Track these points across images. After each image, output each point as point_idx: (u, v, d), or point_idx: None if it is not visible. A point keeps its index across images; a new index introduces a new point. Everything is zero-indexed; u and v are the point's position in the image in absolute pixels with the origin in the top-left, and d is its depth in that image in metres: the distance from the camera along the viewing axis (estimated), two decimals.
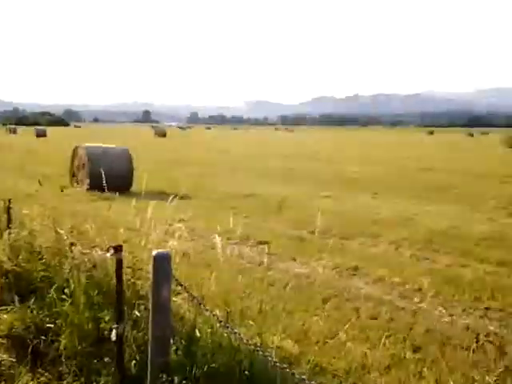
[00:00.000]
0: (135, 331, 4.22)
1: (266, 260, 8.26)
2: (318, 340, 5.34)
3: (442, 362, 4.97)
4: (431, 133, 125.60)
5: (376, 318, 6.27)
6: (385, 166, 28.67)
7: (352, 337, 5.42)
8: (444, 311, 6.57)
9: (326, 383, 4.22)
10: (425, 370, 4.74)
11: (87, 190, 16.55)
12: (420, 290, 7.32)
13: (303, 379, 2.94)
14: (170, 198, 5.60)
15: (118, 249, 4.13)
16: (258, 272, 7.56)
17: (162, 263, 3.73)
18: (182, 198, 6.38)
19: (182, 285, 3.88)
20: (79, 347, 4.28)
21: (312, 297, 6.97)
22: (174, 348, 3.87)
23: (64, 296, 4.73)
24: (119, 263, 4.10)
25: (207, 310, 3.74)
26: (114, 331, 3.99)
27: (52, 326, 4.64)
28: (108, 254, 4.15)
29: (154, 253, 3.74)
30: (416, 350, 5.34)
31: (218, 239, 4.69)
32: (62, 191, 6.94)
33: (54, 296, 4.78)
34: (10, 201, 7.36)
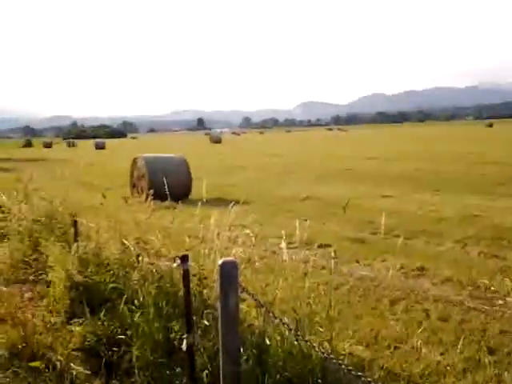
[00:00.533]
0: (205, 340, 4.24)
1: (329, 263, 8.22)
2: (389, 344, 5.23)
3: None
4: (490, 125, 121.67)
5: (447, 320, 6.09)
6: (445, 162, 27.98)
7: (424, 340, 5.29)
8: None
9: None
10: (505, 373, 4.56)
11: (147, 199, 16.85)
12: (490, 289, 7.08)
13: None
14: (231, 205, 5.60)
15: (184, 259, 4.17)
16: (322, 276, 7.48)
17: (229, 271, 3.73)
18: (240, 203, 6.38)
19: (249, 293, 3.86)
20: (151, 358, 4.33)
21: (379, 300, 6.87)
22: (245, 357, 3.86)
23: (134, 307, 4.80)
24: (186, 273, 4.13)
25: (276, 317, 3.71)
26: (184, 341, 4.02)
27: (123, 337, 4.72)
28: (175, 265, 4.19)
29: (220, 261, 3.74)
30: (492, 352, 5.15)
31: (283, 244, 4.65)
32: (126, 202, 7.06)
33: (124, 307, 4.86)
34: (75, 214, 7.58)
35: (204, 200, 6.18)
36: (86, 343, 4.99)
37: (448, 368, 4.71)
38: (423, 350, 4.94)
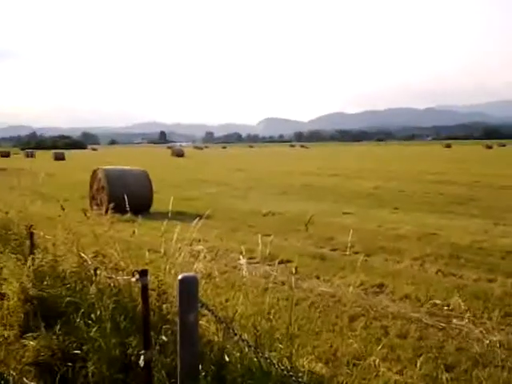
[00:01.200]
0: (163, 356, 4.16)
1: (289, 279, 8.22)
2: (348, 361, 5.23)
3: (476, 382, 4.84)
4: (448, 146, 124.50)
5: (405, 337, 6.16)
6: (403, 181, 28.44)
7: (383, 357, 5.31)
8: (474, 328, 6.43)
9: None
10: None
11: (106, 212, 16.61)
12: (448, 306, 7.17)
13: None
14: (195, 220, 5.54)
15: (143, 273, 4.09)
16: (282, 292, 7.47)
17: (189, 287, 3.68)
18: (203, 217, 6.33)
19: (209, 309, 3.81)
20: (107, 373, 4.22)
21: (339, 316, 6.89)
22: (203, 373, 3.80)
23: (90, 321, 4.69)
24: (145, 288, 4.06)
25: (235, 333, 3.67)
26: (142, 357, 3.93)
27: (79, 352, 4.60)
28: (133, 279, 4.11)
29: (180, 276, 3.70)
30: (449, 369, 5.22)
31: (242, 260, 4.63)
32: (85, 215, 6.93)
33: (81, 321, 4.74)
34: (31, 226, 7.39)
35: (169, 214, 6.12)
36: (40, 358, 4.85)
37: None
38: (382, 367, 4.94)
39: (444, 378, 4.93)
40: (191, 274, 3.90)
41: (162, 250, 5.38)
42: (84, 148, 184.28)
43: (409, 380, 4.83)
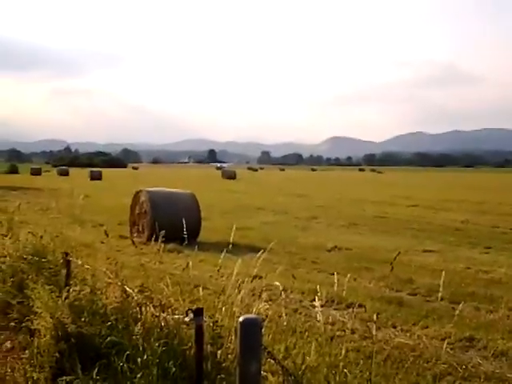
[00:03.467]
0: None
1: (361, 327, 8.13)
2: None
3: None
4: None
5: None
6: (497, 215, 27.81)
7: None
8: None
9: None
10: None
11: (148, 240, 16.89)
12: None
13: None
14: (258, 254, 5.57)
15: (197, 312, 4.13)
16: (351, 342, 7.40)
17: (252, 331, 3.68)
18: (264, 251, 6.34)
19: (274, 358, 3.81)
20: None
21: (420, 374, 6.74)
22: None
23: (133, 366, 4.75)
24: (199, 329, 4.10)
25: None
26: None
27: None
28: (187, 319, 4.15)
29: (242, 318, 3.70)
30: None
31: (317, 302, 4.61)
32: (133, 243, 7.07)
33: (124, 365, 4.81)
34: (68, 254, 7.58)
35: (230, 246, 6.19)
36: None
37: None
38: None
39: None
40: (254, 315, 3.91)
41: (218, 287, 5.42)
42: (124, 166, 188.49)
43: None
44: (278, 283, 5.16)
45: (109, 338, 5.42)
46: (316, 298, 4.75)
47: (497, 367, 7.12)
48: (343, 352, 5.04)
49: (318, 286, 4.97)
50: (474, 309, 9.96)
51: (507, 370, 7.03)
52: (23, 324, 7.14)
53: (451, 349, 7.80)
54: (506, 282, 12.18)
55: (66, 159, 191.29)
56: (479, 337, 8.22)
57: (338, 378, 4.24)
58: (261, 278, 8.17)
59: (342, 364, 5.21)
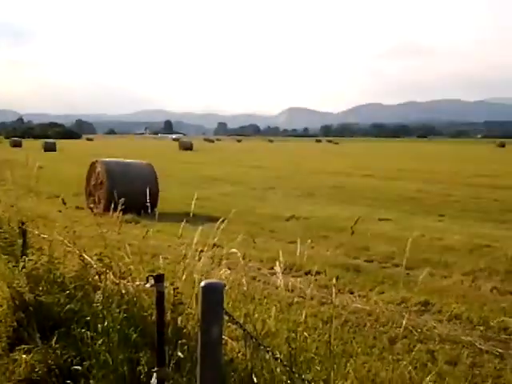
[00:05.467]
0: (178, 375, 4.19)
1: (319, 293, 8.24)
2: None
3: None
4: (502, 145, 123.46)
5: (456, 364, 6.15)
6: (450, 184, 28.29)
7: None
8: None
9: None
10: None
11: (105, 211, 16.74)
12: (506, 329, 7.14)
13: None
14: (217, 224, 5.56)
15: (158, 279, 4.12)
16: (310, 307, 7.48)
17: (214, 295, 3.70)
18: (224, 220, 6.34)
19: (236, 321, 3.84)
20: None
21: (377, 337, 6.89)
22: None
23: (94, 333, 4.73)
24: (160, 296, 4.09)
25: (268, 350, 3.69)
26: (154, 375, 3.97)
27: (80, 368, 4.64)
28: (147, 285, 4.14)
29: (204, 283, 3.71)
30: None
31: (278, 268, 4.64)
32: (92, 211, 7.01)
33: (84, 333, 4.78)
34: (24, 224, 7.47)
35: (191, 214, 6.17)
36: (34, 374, 4.90)
37: None
38: None
39: None
40: (215, 280, 3.92)
41: (178, 256, 5.42)
42: (78, 138, 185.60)
43: None
44: (236, 250, 5.15)
45: (68, 306, 5.39)
46: (277, 263, 4.77)
47: (451, 330, 7.30)
48: (303, 318, 5.11)
49: (280, 252, 4.95)
50: (429, 275, 10.13)
51: (461, 332, 7.22)
52: None
53: (407, 313, 7.96)
54: (459, 248, 12.43)
55: (19, 130, 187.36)
56: (434, 301, 8.40)
57: (298, 342, 4.29)
58: (220, 247, 8.19)
59: (301, 329, 5.28)
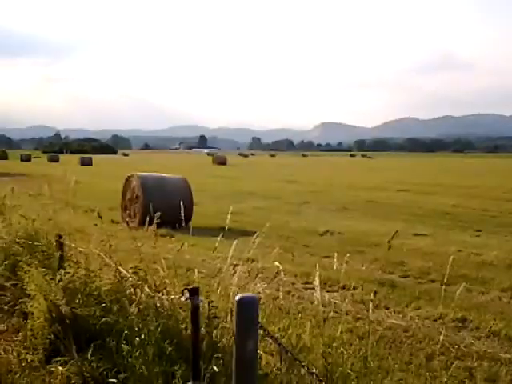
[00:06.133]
0: None
1: (354, 308, 8.17)
2: None
3: None
4: None
5: (495, 381, 6.07)
6: (487, 199, 27.91)
7: None
8: None
9: None
10: None
11: (140, 225, 16.86)
12: None
13: None
14: (253, 238, 5.57)
15: (193, 292, 4.13)
16: (345, 323, 7.41)
17: (248, 309, 3.69)
18: (257, 235, 6.33)
19: (272, 335, 3.82)
20: None
21: (413, 354, 6.80)
22: None
23: (128, 347, 4.75)
24: (195, 309, 4.10)
25: (303, 365, 3.66)
26: None
27: (115, 380, 4.66)
28: (182, 298, 4.15)
29: (238, 297, 3.71)
30: None
31: (316, 282, 4.62)
32: (128, 225, 7.06)
33: (120, 346, 4.81)
34: (61, 236, 7.56)
35: (226, 228, 6.19)
36: None
37: None
38: None
39: None
40: (250, 294, 3.92)
41: (212, 271, 5.43)
42: (114, 153, 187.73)
43: None
44: (277, 263, 5.15)
45: (103, 319, 5.42)
46: (315, 277, 4.74)
47: (489, 347, 7.18)
48: (338, 333, 5.08)
49: (317, 266, 4.92)
50: (466, 290, 9.98)
51: (499, 349, 7.10)
52: (16, 307, 7.14)
53: (443, 329, 7.85)
54: (497, 264, 12.25)
55: (56, 146, 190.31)
56: (471, 318, 8.28)
57: (333, 357, 4.25)
58: (254, 261, 8.20)
59: (335, 344, 5.25)
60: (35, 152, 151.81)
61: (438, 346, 7.05)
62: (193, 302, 4.08)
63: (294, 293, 9.48)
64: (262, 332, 4.05)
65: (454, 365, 6.40)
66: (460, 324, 8.11)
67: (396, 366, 6.26)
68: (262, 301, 5.69)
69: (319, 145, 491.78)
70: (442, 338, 7.25)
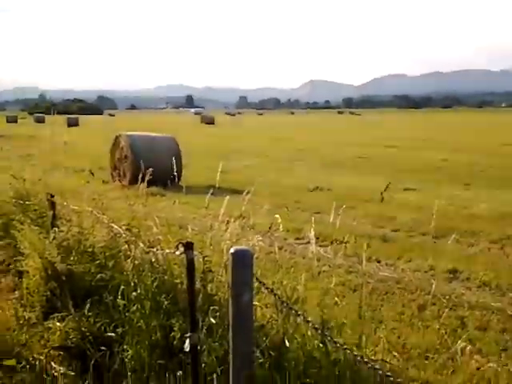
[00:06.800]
0: (211, 340, 4.24)
1: (346, 262, 8.25)
2: (420, 354, 5.27)
3: None
4: None
5: (486, 329, 6.16)
6: (476, 153, 28.06)
7: (460, 350, 5.30)
8: None
9: None
10: None
11: (130, 184, 16.85)
12: None
13: None
14: (243, 195, 5.59)
15: (188, 246, 4.14)
16: (338, 276, 7.49)
17: (243, 261, 3.71)
18: (237, 192, 6.34)
19: (267, 287, 3.87)
20: (147, 359, 4.33)
21: (405, 305, 6.91)
22: (260, 361, 3.86)
23: (124, 302, 4.79)
24: (191, 263, 4.11)
25: (299, 314, 3.71)
26: (187, 340, 4.00)
27: (113, 335, 4.71)
28: (177, 253, 4.16)
29: (233, 249, 3.73)
30: None
31: (311, 236, 4.65)
32: (120, 183, 7.05)
33: (117, 300, 4.84)
34: (52, 196, 7.53)
35: (216, 185, 6.20)
36: (69, 341, 4.98)
37: (491, 382, 4.74)
38: (461, 360, 4.95)
39: None
40: (244, 247, 3.95)
41: (204, 228, 5.46)
42: (100, 113, 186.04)
43: (492, 376, 4.81)
44: (277, 215, 5.17)
45: (99, 275, 5.45)
46: (311, 230, 4.77)
47: (480, 297, 7.29)
48: (332, 285, 5.14)
49: (312, 219, 4.94)
50: (456, 243, 10.10)
51: (490, 299, 7.20)
52: (11, 266, 7.17)
53: (435, 280, 7.95)
54: (486, 216, 12.37)
55: (42, 106, 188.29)
56: (462, 269, 8.39)
57: (328, 308, 4.31)
58: (246, 218, 8.21)
59: (330, 296, 5.31)
60: (21, 113, 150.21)
61: (430, 296, 7.16)
62: (187, 255, 4.09)
63: (287, 248, 9.54)
64: (257, 284, 4.10)
65: (445, 314, 6.53)
66: (451, 275, 8.22)
67: (389, 316, 6.38)
68: (256, 255, 5.72)
69: (307, 103, 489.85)
70: (433, 288, 7.38)
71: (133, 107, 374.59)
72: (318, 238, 9.60)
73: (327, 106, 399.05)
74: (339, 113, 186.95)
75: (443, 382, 4.73)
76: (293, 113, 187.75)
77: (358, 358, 3.41)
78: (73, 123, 75.91)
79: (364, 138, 43.14)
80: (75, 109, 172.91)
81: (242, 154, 28.99)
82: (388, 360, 4.41)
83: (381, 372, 3.35)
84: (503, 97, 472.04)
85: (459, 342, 4.64)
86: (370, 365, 3.19)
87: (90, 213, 6.65)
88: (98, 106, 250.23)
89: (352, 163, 24.59)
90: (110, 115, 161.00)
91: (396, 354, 4.68)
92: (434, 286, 7.15)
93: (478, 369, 4.88)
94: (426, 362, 5.14)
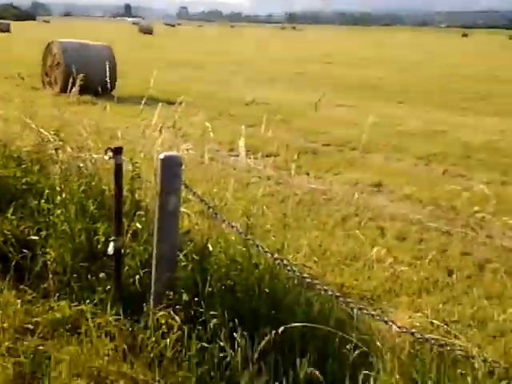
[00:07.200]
0: (135, 245, 4.31)
1: (276, 174, 8.36)
2: (339, 261, 5.49)
3: (480, 287, 5.11)
4: (465, 35, 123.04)
5: (404, 239, 6.42)
6: (412, 72, 28.39)
7: (378, 259, 5.54)
8: (481, 232, 6.69)
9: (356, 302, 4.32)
10: (464, 295, 4.89)
11: (62, 92, 16.42)
12: (454, 209, 7.41)
13: (337, 296, 3.06)
14: (176, 105, 5.54)
15: (117, 151, 4.12)
16: (267, 187, 7.62)
17: (172, 166, 3.76)
18: (172, 103, 6.28)
19: (194, 192, 3.93)
20: (70, 262, 4.36)
21: (330, 215, 7.10)
22: (183, 264, 3.97)
23: (49, 206, 4.78)
24: (119, 168, 4.11)
25: (224, 220, 3.81)
26: (111, 244, 4.06)
27: (37, 238, 4.70)
28: (105, 157, 4.14)
29: (162, 155, 3.78)
30: (450, 273, 5.47)
31: (241, 149, 4.67)
32: (51, 88, 6.86)
33: (42, 205, 4.83)
34: None
35: (151, 98, 6.11)
36: None
37: (402, 287, 4.99)
38: (376, 268, 5.19)
39: (445, 281, 5.22)
40: (174, 153, 3.99)
41: (136, 137, 5.42)
42: (33, 20, 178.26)
43: (405, 282, 5.07)
44: (208, 124, 5.16)
45: (24, 179, 5.40)
46: (240, 142, 4.79)
47: (401, 209, 7.56)
48: (259, 195, 5.25)
49: (243, 131, 4.95)
50: (384, 158, 10.39)
51: (411, 211, 7.47)
52: None
53: (360, 193, 8.19)
54: (416, 133, 12.69)
55: None
56: (387, 182, 8.64)
57: (255, 216, 4.41)
58: (178, 128, 8.17)
59: (257, 205, 5.42)
60: None
61: (354, 208, 7.40)
62: (116, 160, 4.08)
63: (218, 159, 9.58)
64: (185, 193, 4.16)
65: (367, 225, 6.79)
66: (376, 188, 8.46)
67: (313, 224, 6.56)
68: (187, 165, 5.76)
69: (248, 16, 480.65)
70: (355, 199, 7.59)
71: (68, 14, 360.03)
72: (249, 151, 9.72)
73: (269, 19, 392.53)
74: (282, 28, 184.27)
75: (358, 286, 4.97)
76: (233, 26, 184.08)
77: (278, 261, 3.55)
78: (4, 29, 72.58)
79: (304, 53, 42.89)
80: (8, 15, 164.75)
81: (180, 66, 28.49)
82: (308, 266, 4.60)
83: (298, 274, 3.51)
84: (443, 17, 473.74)
85: (375, 248, 4.83)
86: (288, 267, 3.33)
87: (18, 118, 6.52)
88: (32, 12, 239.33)
89: (290, 78, 24.56)
90: (45, 21, 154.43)
91: (316, 259, 4.89)
92: (356, 197, 7.43)
93: (392, 274, 5.11)
94: (344, 267, 5.36)
